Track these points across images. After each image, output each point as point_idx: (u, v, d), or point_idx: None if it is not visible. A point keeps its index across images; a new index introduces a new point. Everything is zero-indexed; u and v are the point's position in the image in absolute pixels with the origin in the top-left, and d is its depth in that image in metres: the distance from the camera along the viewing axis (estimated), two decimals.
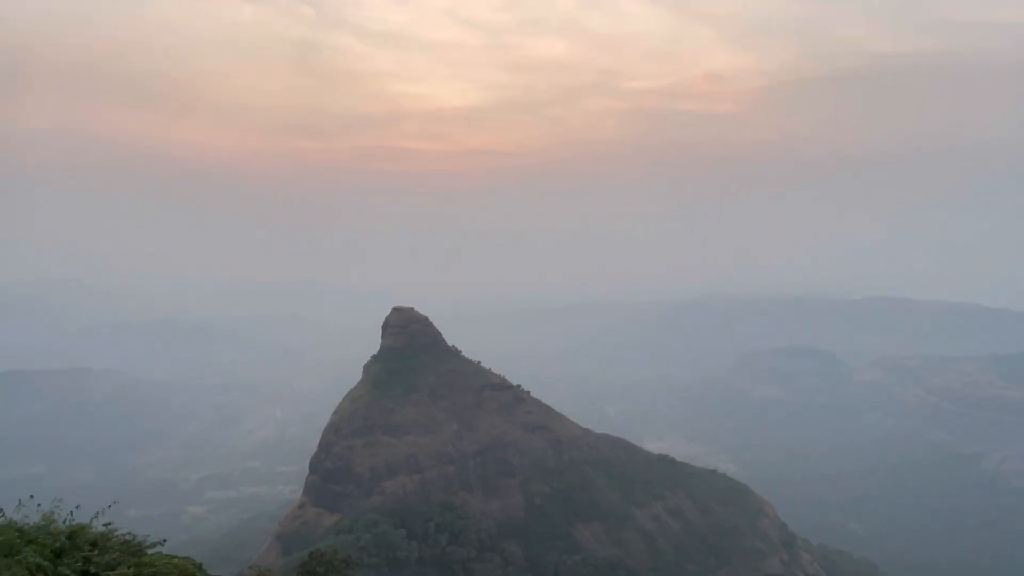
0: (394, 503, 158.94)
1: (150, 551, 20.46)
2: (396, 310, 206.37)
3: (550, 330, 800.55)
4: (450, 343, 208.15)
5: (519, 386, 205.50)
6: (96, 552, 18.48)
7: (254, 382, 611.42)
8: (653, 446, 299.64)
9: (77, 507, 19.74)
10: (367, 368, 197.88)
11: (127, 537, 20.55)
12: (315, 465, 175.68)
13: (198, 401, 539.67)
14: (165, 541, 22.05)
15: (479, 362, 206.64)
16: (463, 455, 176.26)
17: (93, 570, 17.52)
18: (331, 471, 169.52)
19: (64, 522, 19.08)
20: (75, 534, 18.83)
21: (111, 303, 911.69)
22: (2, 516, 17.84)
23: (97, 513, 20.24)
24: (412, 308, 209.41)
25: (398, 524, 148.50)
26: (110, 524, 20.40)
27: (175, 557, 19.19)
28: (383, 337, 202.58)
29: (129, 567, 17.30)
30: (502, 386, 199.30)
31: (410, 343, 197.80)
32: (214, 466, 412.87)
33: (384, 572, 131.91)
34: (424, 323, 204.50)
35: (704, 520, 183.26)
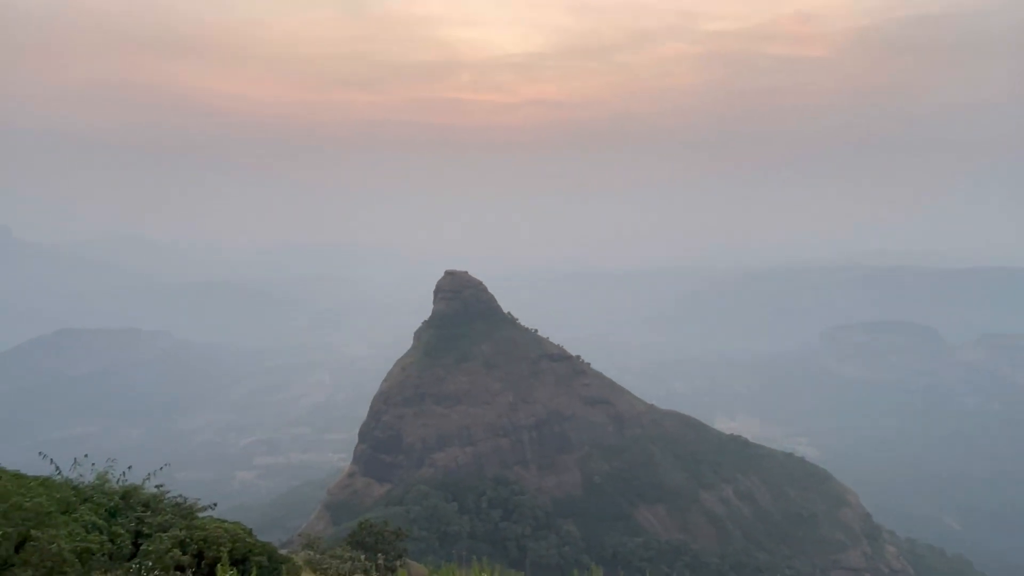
0: (445, 475, 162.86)
1: (201, 515, 21.55)
2: (448, 274, 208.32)
3: (614, 298, 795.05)
4: (505, 309, 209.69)
5: (579, 357, 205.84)
6: (149, 513, 19.60)
7: (302, 346, 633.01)
8: (724, 425, 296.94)
9: (129, 468, 20.90)
10: (418, 334, 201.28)
11: (178, 500, 21.71)
12: (364, 434, 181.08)
13: (245, 364, 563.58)
14: (215, 505, 23.17)
15: (536, 330, 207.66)
16: (518, 428, 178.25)
17: (146, 531, 18.57)
18: (381, 440, 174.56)
19: (117, 482, 20.25)
20: (128, 494, 19.99)
21: (157, 262, 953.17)
22: (59, 474, 19.03)
23: (149, 474, 21.39)
24: (465, 272, 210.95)
25: (449, 497, 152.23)
26: (162, 486, 21.55)
27: (225, 521, 20.13)
28: (435, 302, 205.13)
29: (181, 529, 18.25)
30: (560, 356, 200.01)
31: (463, 309, 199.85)
32: (262, 431, 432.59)
33: (435, 546, 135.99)
34: (478, 288, 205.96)
35: (778, 506, 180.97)
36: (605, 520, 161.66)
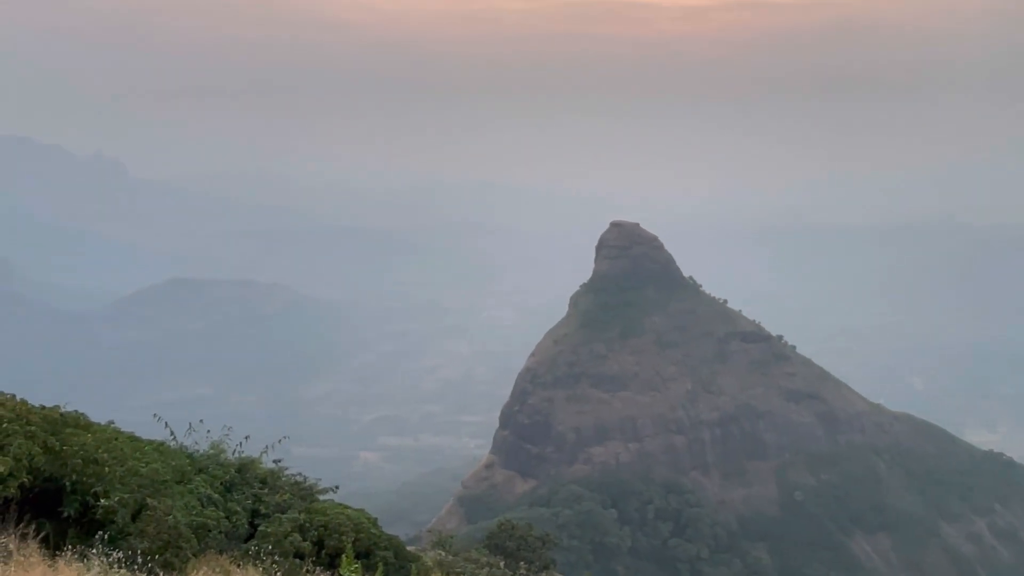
0: (603, 476, 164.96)
1: (321, 497, 23.40)
2: (615, 226, 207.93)
3: (832, 261, 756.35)
4: (685, 272, 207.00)
5: (780, 338, 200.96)
6: (266, 491, 21.53)
7: (438, 307, 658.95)
8: (979, 438, 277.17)
9: (247, 438, 22.99)
10: (575, 300, 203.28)
11: (297, 478, 23.67)
12: (507, 418, 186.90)
13: (374, 326, 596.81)
14: (337, 488, 25.06)
15: (724, 301, 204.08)
16: (697, 424, 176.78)
17: (263, 510, 20.46)
18: (526, 427, 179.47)
19: (233, 453, 22.38)
20: (245, 468, 22.06)
21: (277, 205, 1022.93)
22: (173, 440, 21.34)
23: (267, 447, 23.44)
24: (636, 224, 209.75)
25: (608, 503, 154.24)
26: (280, 461, 23.58)
27: (348, 507, 21.70)
28: (597, 260, 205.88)
29: (300, 512, 19.93)
30: (756, 336, 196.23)
31: (632, 270, 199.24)
32: (389, 406, 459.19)
33: (588, 559, 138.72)
34: (652, 244, 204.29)
35: None
36: (808, 548, 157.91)
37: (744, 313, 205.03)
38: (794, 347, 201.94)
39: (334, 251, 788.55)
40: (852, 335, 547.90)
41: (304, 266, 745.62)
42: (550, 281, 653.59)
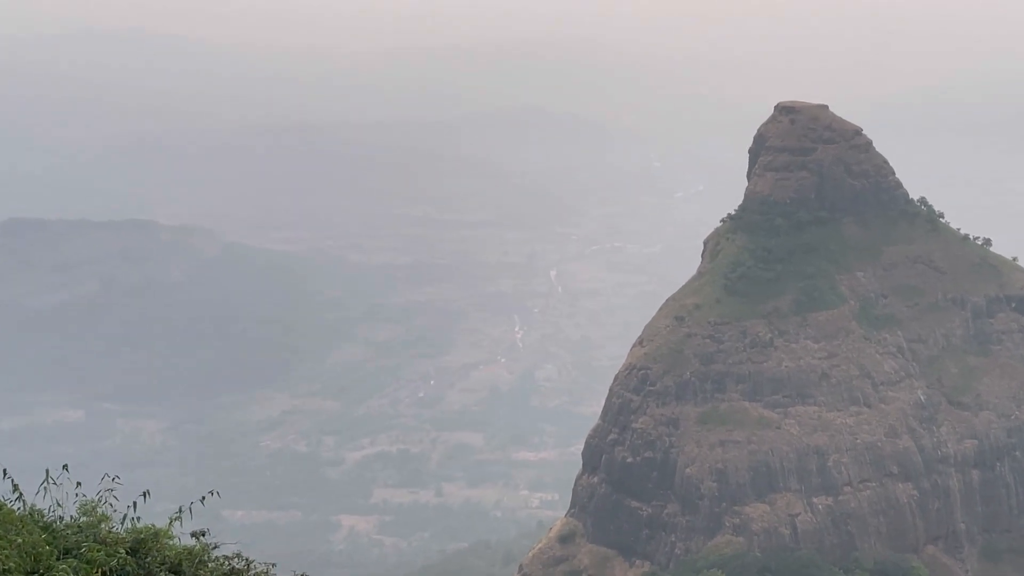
0: (769, 551, 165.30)
1: None
2: (784, 111, 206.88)
3: None
4: (913, 192, 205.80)
5: None
6: None
7: (473, 261, 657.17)
8: None
9: (145, 495, 23.07)
10: (712, 245, 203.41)
11: (234, 563, 23.70)
12: (596, 454, 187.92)
13: (360, 295, 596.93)
14: None
15: (984, 241, 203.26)
16: (938, 460, 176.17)
17: None
18: (629, 469, 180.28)
19: (123, 522, 22.47)
20: (142, 546, 22.14)
21: (188, 90, 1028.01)
22: (18, 499, 21.44)
23: (180, 509, 23.53)
24: (824, 106, 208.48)
25: None
26: (204, 534, 23.64)
27: None
28: (751, 173, 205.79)
29: None
30: None
31: (816, 189, 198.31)
32: (388, 436, 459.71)
33: None
34: (852, 142, 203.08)
35: None
36: None
37: (1019, 260, 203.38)
38: None
39: (287, 166, 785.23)
40: None
41: (235, 193, 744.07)
42: (665, 213, 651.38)
